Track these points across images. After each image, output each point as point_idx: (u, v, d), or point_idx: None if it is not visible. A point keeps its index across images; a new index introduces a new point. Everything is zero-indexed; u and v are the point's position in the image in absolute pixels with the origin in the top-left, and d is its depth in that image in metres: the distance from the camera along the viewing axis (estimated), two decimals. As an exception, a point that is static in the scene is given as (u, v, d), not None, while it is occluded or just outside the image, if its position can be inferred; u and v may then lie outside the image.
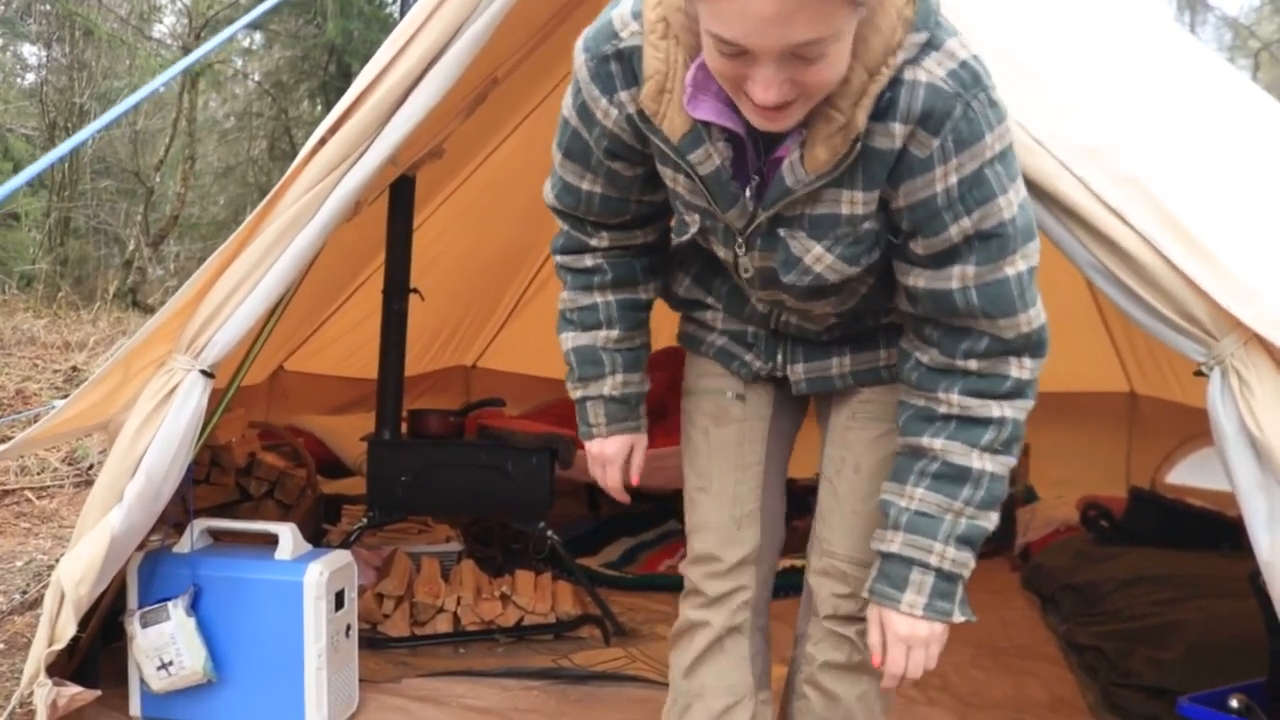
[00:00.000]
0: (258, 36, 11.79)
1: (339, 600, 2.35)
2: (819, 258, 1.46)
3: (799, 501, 2.12)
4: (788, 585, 2.08)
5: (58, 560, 2.20)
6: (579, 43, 1.45)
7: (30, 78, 11.94)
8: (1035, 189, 1.74)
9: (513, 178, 4.12)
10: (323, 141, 2.14)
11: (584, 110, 1.48)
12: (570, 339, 1.73)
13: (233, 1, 10.40)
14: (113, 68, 11.51)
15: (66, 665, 2.28)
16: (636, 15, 1.39)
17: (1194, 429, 3.96)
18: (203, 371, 2.16)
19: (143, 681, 2.29)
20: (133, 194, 11.85)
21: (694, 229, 1.57)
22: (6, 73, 11.99)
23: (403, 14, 2.24)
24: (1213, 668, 2.45)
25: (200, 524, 2.40)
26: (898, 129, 1.32)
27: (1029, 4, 2.09)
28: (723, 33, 1.17)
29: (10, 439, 2.49)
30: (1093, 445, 4.50)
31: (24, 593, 3.14)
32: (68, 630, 2.13)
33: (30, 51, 11.84)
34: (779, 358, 1.73)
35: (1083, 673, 2.97)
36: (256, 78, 12.42)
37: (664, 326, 1.90)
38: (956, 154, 1.32)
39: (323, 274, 2.91)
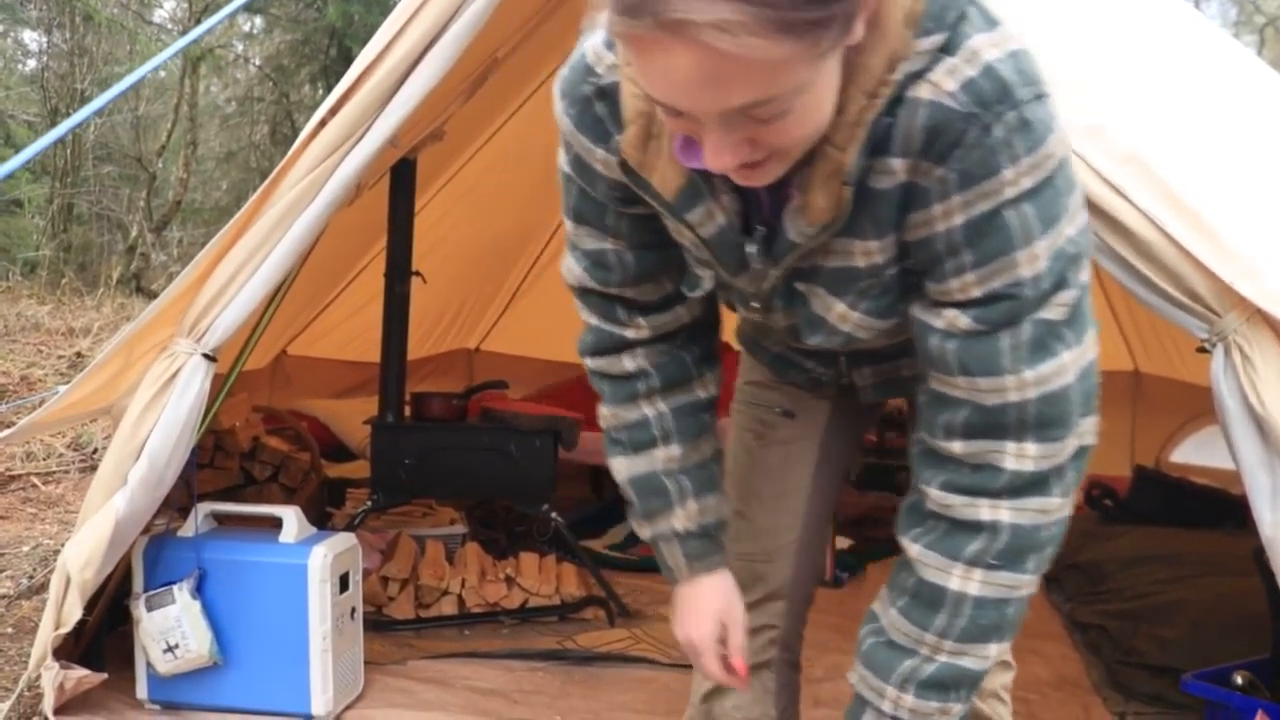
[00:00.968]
0: (258, 21, 11.76)
1: (343, 583, 2.36)
2: (844, 316, 1.20)
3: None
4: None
5: (63, 545, 2.21)
6: (555, 88, 1.21)
7: (31, 64, 11.92)
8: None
9: (514, 160, 4.11)
10: (322, 124, 2.14)
11: (580, 165, 1.23)
12: (624, 467, 1.39)
13: (233, -15, 10.35)
14: (113, 53, 11.49)
15: (73, 649, 2.29)
16: (610, 44, 1.13)
17: (1198, 407, 3.96)
18: (205, 355, 2.16)
19: (149, 664, 2.30)
20: (135, 180, 11.84)
21: (707, 285, 1.29)
22: (7, 59, 11.97)
23: (402, -5, 2.22)
24: (1217, 645, 2.46)
25: (204, 508, 2.40)
26: (897, 164, 1.05)
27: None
28: (652, 94, 0.96)
29: (15, 425, 2.49)
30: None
31: (30, 577, 3.16)
32: (74, 614, 2.14)
33: (31, 37, 11.82)
34: (841, 362, 1.45)
35: (1087, 651, 2.98)
36: (257, 62, 12.39)
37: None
38: (960, 190, 1.03)
39: (324, 258, 2.91)
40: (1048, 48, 1.79)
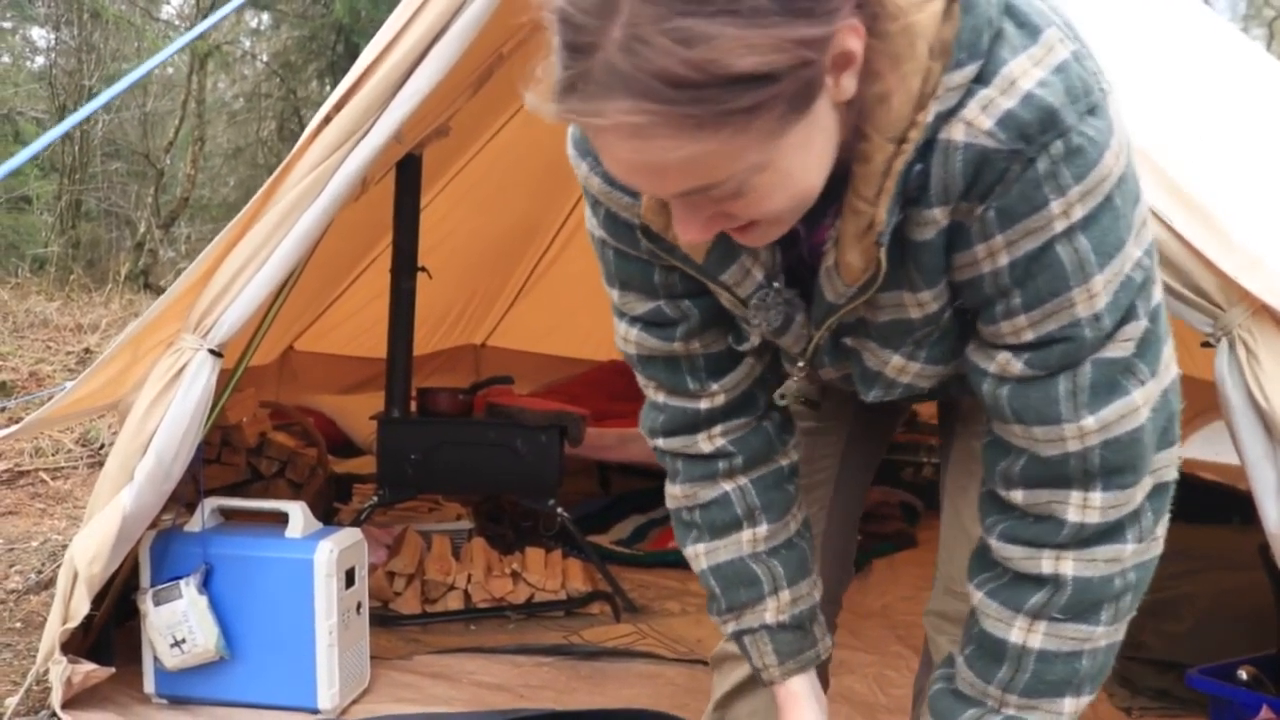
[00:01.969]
0: (265, 17, 11.78)
1: (349, 578, 2.37)
2: (902, 368, 1.10)
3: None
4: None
5: (71, 540, 2.22)
6: (570, 151, 1.11)
7: (39, 60, 11.96)
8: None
9: (520, 155, 4.11)
10: (327, 120, 2.14)
11: (614, 224, 1.12)
12: (702, 554, 1.26)
13: (240, -19, 10.37)
14: (121, 50, 11.52)
15: (81, 643, 2.30)
16: None
17: (1204, 403, 3.93)
18: (211, 351, 2.17)
19: (156, 659, 2.31)
20: (143, 176, 11.88)
21: (755, 339, 1.16)
22: (16, 56, 12.01)
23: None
24: (1222, 640, 2.46)
25: (211, 503, 2.41)
26: (937, 214, 0.94)
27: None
28: (610, 171, 0.89)
29: (23, 420, 2.51)
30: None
31: (39, 572, 3.17)
32: (81, 608, 2.15)
33: (39, 34, 11.86)
34: None
35: (1093, 646, 2.97)
36: (264, 58, 12.42)
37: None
38: (1002, 229, 0.93)
39: (330, 253, 2.91)
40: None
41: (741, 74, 0.77)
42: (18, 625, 2.79)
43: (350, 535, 2.41)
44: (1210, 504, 3.79)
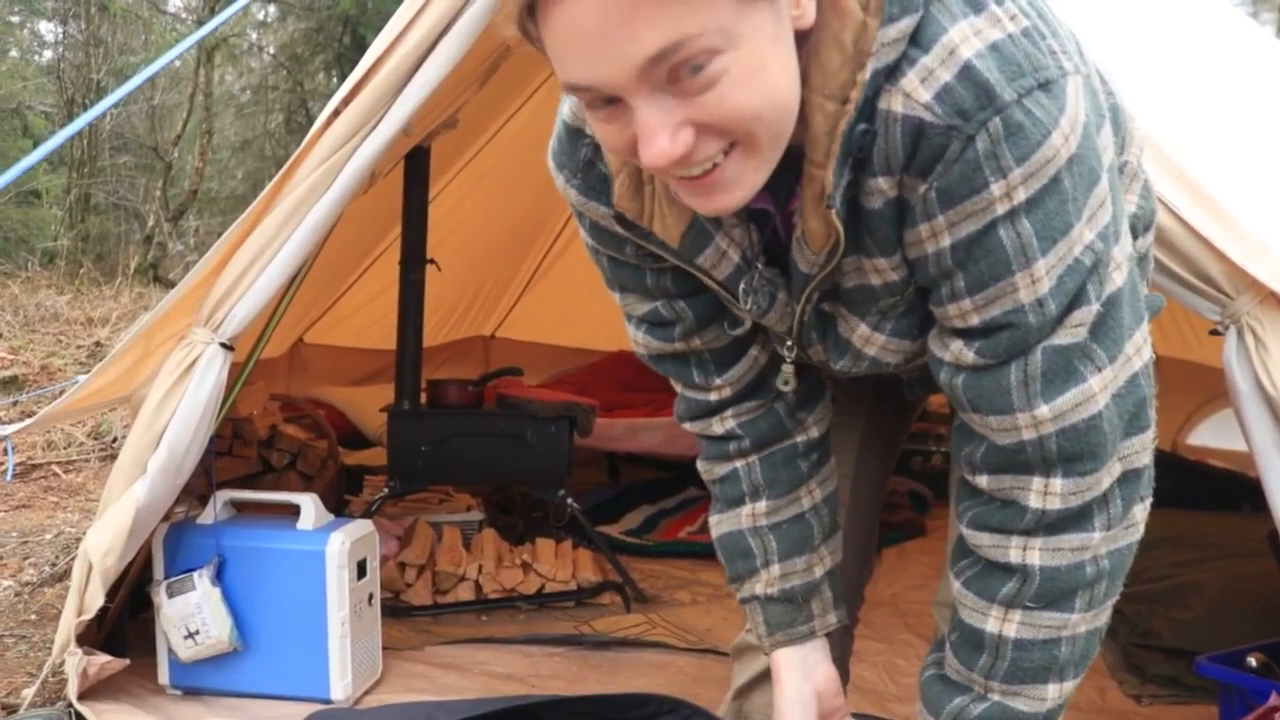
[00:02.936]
0: (272, 9, 11.79)
1: (361, 569, 2.38)
2: (868, 339, 1.10)
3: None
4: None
5: (85, 533, 2.24)
6: (551, 163, 1.12)
7: (48, 54, 12.00)
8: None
9: (528, 147, 4.09)
10: (336, 113, 2.15)
11: (600, 233, 1.15)
12: (715, 524, 1.32)
13: (246, -26, 10.37)
14: (129, 43, 11.55)
15: (96, 636, 2.32)
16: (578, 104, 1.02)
17: (1215, 390, 3.93)
18: (222, 344, 2.18)
19: (170, 651, 2.33)
20: (151, 169, 11.92)
21: (748, 322, 1.19)
22: (24, 50, 12.04)
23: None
24: (1232, 628, 2.46)
25: (223, 495, 2.42)
26: (883, 183, 0.94)
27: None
28: (569, 77, 0.85)
29: (36, 414, 2.52)
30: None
31: (53, 565, 3.20)
32: (96, 601, 2.16)
33: (47, 28, 11.89)
34: None
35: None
36: (271, 51, 12.43)
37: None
38: (943, 209, 0.92)
39: (340, 246, 2.92)
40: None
41: None
42: (33, 617, 2.81)
43: (362, 527, 2.42)
44: (1220, 491, 3.79)
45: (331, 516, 2.44)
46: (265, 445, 3.34)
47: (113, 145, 12.01)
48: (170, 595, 2.28)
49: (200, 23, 10.30)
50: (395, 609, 2.91)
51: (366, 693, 2.42)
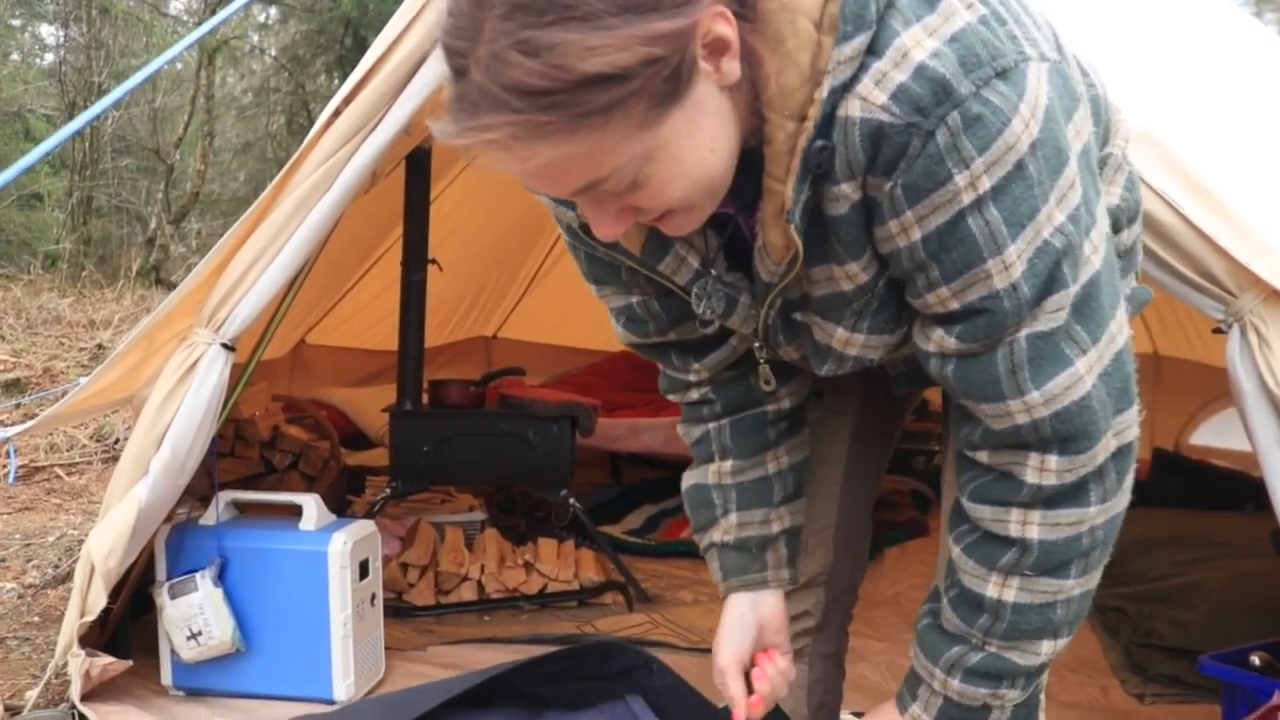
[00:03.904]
0: (273, 11, 11.80)
1: (364, 569, 2.38)
2: (847, 340, 1.12)
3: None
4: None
5: (88, 535, 2.24)
6: None
7: (49, 58, 12.01)
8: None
9: (529, 147, 4.11)
10: (337, 114, 2.15)
11: (573, 233, 1.20)
12: (685, 479, 1.39)
13: (248, -24, 10.39)
14: (130, 46, 11.57)
15: (99, 637, 2.32)
16: None
17: (1218, 389, 3.93)
18: (224, 345, 2.18)
19: (173, 651, 2.33)
20: (153, 172, 11.94)
21: (718, 323, 1.21)
22: (25, 53, 12.06)
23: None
24: (1235, 627, 2.46)
25: (225, 496, 2.42)
26: (846, 190, 0.96)
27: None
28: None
29: (38, 416, 2.52)
30: (1116, 408, 4.48)
31: (56, 567, 3.20)
32: (98, 602, 2.17)
33: (48, 31, 11.91)
34: None
35: (1105, 634, 2.97)
36: (273, 53, 12.44)
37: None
38: (911, 205, 0.94)
39: (341, 247, 2.93)
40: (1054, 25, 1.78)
41: (589, 76, 0.81)
42: (35, 619, 2.81)
43: (364, 527, 2.42)
44: (1223, 491, 3.79)
45: (333, 517, 2.44)
46: (267, 446, 3.34)
47: (114, 148, 12.02)
48: (173, 596, 2.28)
49: (201, 25, 10.33)
50: (398, 609, 2.91)
51: (369, 693, 2.42)
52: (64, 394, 2.66)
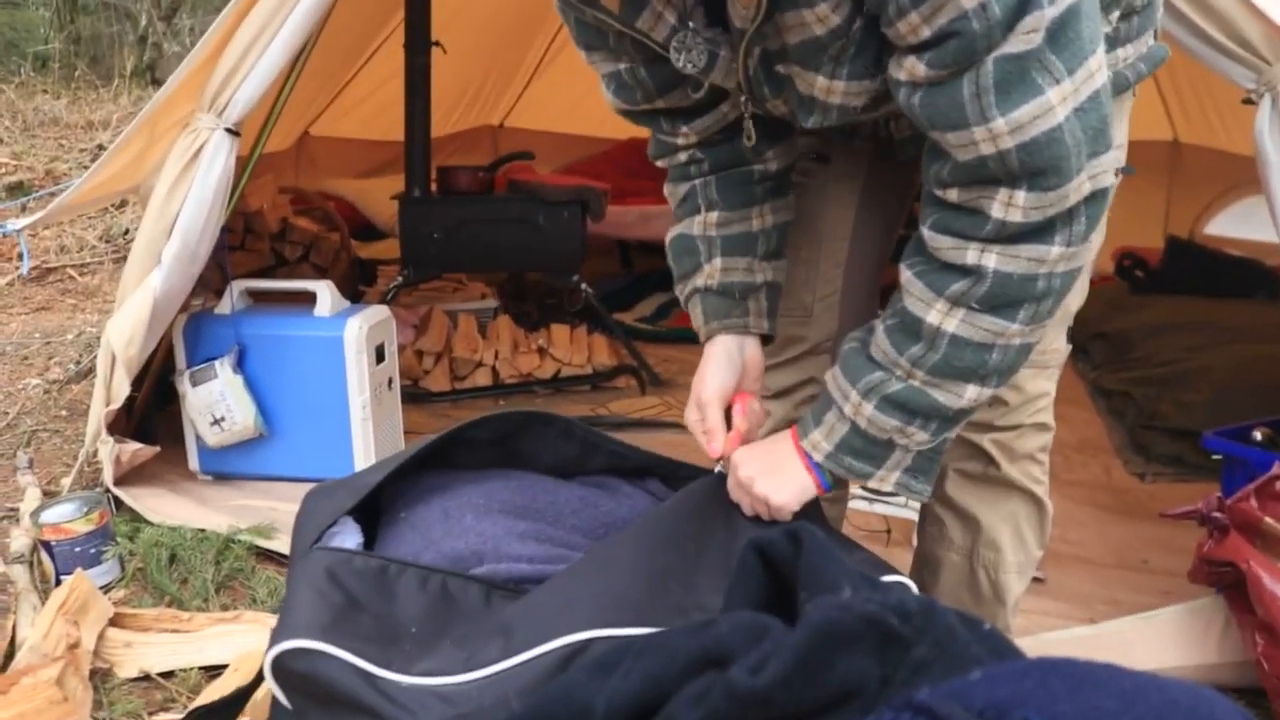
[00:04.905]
0: None
1: (379, 354, 2.40)
2: (828, 89, 1.11)
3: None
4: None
5: (106, 327, 2.26)
6: None
7: None
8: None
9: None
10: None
11: None
12: (670, 232, 1.37)
13: None
14: None
15: (126, 426, 2.38)
16: None
17: (1238, 177, 3.87)
18: (228, 130, 2.13)
19: (198, 438, 2.38)
20: (139, -37, 11.44)
21: (704, 89, 1.24)
22: None
23: None
24: (1239, 408, 2.48)
25: (239, 285, 2.43)
26: None
27: None
28: None
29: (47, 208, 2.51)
30: (1131, 195, 4.38)
31: (77, 363, 3.24)
32: (122, 389, 2.21)
33: None
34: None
35: (1110, 416, 3.03)
36: None
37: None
38: None
39: (341, 31, 2.82)
40: None
41: None
42: (63, 413, 2.88)
43: (378, 312, 2.44)
44: (1235, 278, 3.78)
45: (347, 303, 2.45)
46: (277, 238, 3.33)
47: (97, -62, 11.50)
48: (194, 384, 2.32)
49: None
50: (414, 395, 2.96)
51: (391, 474, 2.48)
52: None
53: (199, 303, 2.51)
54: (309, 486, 2.22)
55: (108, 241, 4.75)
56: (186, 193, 2.14)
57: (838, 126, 1.29)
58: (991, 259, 1.05)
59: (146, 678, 1.71)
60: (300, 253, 3.36)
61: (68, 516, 1.97)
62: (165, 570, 1.98)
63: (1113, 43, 1.22)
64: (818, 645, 0.65)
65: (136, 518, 2.18)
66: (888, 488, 1.18)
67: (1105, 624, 1.80)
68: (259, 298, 2.50)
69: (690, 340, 3.76)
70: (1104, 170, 1.02)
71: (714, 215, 1.32)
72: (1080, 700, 0.59)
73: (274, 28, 2.09)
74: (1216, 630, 1.69)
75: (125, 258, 4.10)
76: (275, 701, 1.05)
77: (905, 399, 1.12)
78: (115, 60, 10.01)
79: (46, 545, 1.96)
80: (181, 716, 1.49)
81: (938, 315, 1.09)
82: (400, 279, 3.17)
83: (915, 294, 1.11)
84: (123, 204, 4.62)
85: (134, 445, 2.27)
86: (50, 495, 2.27)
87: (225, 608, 1.90)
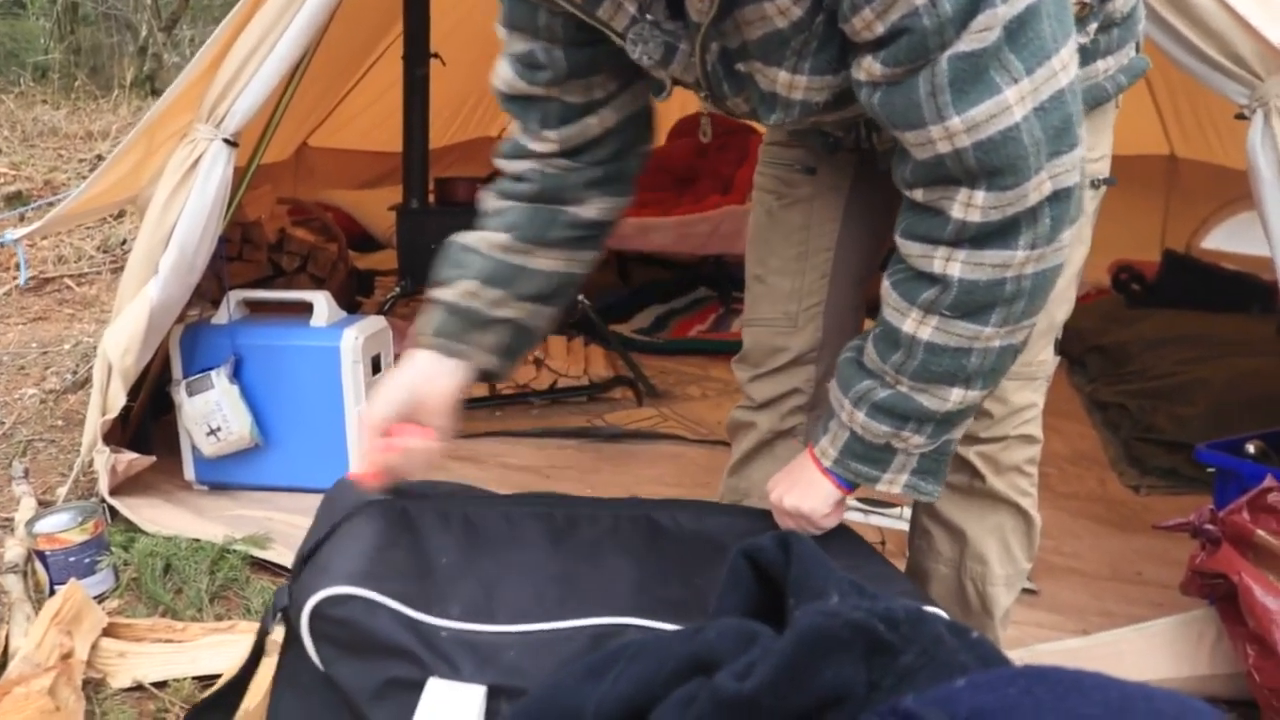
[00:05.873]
0: None
1: (376, 365, 2.41)
2: (790, 84, 1.10)
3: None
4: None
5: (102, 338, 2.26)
6: None
7: None
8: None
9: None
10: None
11: None
12: (454, 238, 1.33)
13: None
14: None
15: (122, 437, 2.38)
16: None
17: (1234, 192, 3.88)
18: (225, 140, 2.14)
19: (194, 448, 2.39)
20: (141, -25, 11.48)
21: (669, 88, 1.22)
22: None
23: None
24: (1234, 421, 2.49)
25: (236, 295, 2.43)
26: None
27: None
28: None
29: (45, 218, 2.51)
30: (1128, 209, 4.42)
31: (74, 373, 3.24)
32: (118, 399, 2.21)
33: None
34: (861, 125, 1.31)
35: (1105, 429, 3.03)
36: None
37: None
38: None
39: (340, 42, 2.84)
40: None
41: None
42: (59, 423, 2.87)
43: (375, 323, 2.44)
44: (1231, 292, 3.79)
45: (344, 313, 2.46)
46: (275, 249, 3.33)
47: (99, -50, 11.54)
48: (190, 394, 2.32)
49: None
50: (410, 406, 2.95)
51: (387, 486, 2.48)
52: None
53: (196, 313, 2.51)
54: (304, 497, 2.24)
55: (105, 251, 4.75)
56: (184, 203, 2.14)
57: (822, 138, 1.31)
58: (956, 267, 1.05)
59: (140, 688, 1.70)
60: (298, 263, 3.36)
61: (62, 526, 1.97)
62: (160, 580, 1.98)
63: (1092, 55, 1.24)
64: (805, 651, 0.65)
65: (131, 527, 2.18)
66: (898, 490, 1.19)
67: (1098, 635, 1.81)
68: (256, 308, 2.51)
69: (688, 352, 3.78)
70: (1066, 170, 1.02)
71: (504, 238, 1.28)
72: (1066, 709, 0.60)
73: (272, 39, 2.10)
74: (1209, 642, 1.69)
75: (123, 268, 4.11)
76: (274, 694, 1.05)
77: (893, 405, 1.13)
78: (115, 71, 10.03)
79: (41, 555, 1.96)
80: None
81: (912, 324, 1.10)
82: (398, 290, 3.17)
83: (891, 304, 1.12)
84: (121, 214, 4.62)
85: (130, 455, 2.27)
86: (45, 505, 2.27)
87: (219, 618, 1.90)
